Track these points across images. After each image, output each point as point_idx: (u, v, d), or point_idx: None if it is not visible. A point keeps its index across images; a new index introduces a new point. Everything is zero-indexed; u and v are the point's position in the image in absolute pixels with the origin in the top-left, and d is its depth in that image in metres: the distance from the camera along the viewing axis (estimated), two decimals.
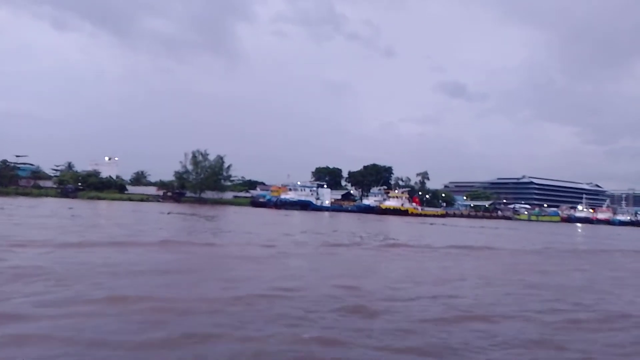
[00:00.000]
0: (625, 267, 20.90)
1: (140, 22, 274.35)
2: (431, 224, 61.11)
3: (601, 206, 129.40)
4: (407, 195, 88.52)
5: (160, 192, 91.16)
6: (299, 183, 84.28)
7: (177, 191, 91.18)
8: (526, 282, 13.51)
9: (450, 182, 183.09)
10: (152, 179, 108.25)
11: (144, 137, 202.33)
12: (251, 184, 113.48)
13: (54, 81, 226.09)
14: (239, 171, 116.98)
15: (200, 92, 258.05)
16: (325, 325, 7.54)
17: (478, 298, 10.74)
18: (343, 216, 69.20)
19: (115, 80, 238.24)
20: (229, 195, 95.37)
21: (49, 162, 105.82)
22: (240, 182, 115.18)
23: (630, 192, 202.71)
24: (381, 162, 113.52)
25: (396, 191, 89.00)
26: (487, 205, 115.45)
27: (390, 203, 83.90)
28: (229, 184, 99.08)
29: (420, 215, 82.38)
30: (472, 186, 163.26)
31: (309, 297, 9.54)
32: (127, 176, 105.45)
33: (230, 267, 13.79)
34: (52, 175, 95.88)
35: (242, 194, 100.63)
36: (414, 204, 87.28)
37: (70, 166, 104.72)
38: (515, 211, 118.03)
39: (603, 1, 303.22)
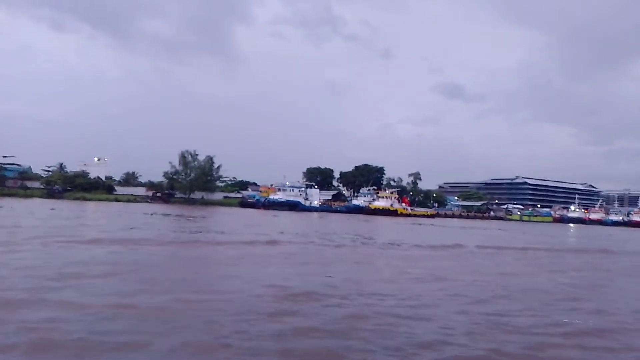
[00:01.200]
0: (583, 268, 20.57)
1: (139, 24, 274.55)
2: (419, 224, 60.96)
3: (594, 206, 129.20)
4: (397, 196, 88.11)
5: (150, 193, 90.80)
6: (287, 183, 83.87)
7: (167, 192, 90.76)
8: (465, 282, 13.22)
9: (445, 183, 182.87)
10: (146, 179, 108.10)
11: (142, 138, 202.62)
12: (243, 185, 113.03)
13: (53, 83, 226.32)
14: (235, 172, 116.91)
15: (198, 93, 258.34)
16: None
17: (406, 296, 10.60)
18: (331, 217, 68.81)
19: (113, 82, 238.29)
20: (219, 195, 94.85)
21: (46, 164, 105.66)
22: (232, 182, 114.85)
23: (626, 192, 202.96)
24: (380, 164, 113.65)
25: (386, 191, 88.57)
26: (479, 206, 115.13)
27: (379, 203, 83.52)
28: (219, 184, 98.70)
29: (409, 215, 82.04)
30: (466, 187, 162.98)
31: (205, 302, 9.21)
32: (120, 177, 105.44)
33: (162, 269, 13.30)
34: (44, 176, 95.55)
35: (233, 194, 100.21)
36: (403, 204, 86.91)
37: (62, 167, 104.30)
38: (508, 211, 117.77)
39: (601, 2, 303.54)
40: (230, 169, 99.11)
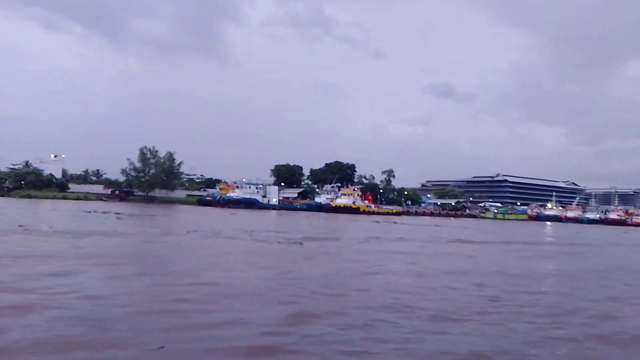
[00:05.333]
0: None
1: (131, 24, 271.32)
2: (376, 222, 58.83)
3: (574, 204, 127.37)
4: (360, 193, 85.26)
5: (109, 191, 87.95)
6: (244, 180, 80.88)
7: (125, 190, 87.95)
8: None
9: (428, 181, 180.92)
10: (112, 178, 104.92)
11: (133, 138, 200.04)
12: (211, 183, 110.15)
13: (44, 83, 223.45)
14: (223, 173, 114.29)
15: (190, 93, 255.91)
16: None
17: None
18: (288, 215, 66.48)
19: (105, 82, 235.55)
20: (182, 193, 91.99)
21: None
22: (200, 180, 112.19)
23: (612, 190, 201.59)
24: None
25: (348, 188, 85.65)
26: (453, 204, 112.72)
27: (341, 201, 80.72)
28: (182, 181, 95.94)
29: (372, 213, 79.26)
30: (447, 185, 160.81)
31: None
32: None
33: None
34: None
35: (198, 192, 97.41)
36: (366, 201, 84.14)
37: (27, 164, 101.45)
38: (484, 209, 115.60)
39: (592, 3, 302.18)
40: (218, 170, 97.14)
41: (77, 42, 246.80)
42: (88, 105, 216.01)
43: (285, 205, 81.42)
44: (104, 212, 42.45)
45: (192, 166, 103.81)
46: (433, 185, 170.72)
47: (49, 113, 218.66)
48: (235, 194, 77.87)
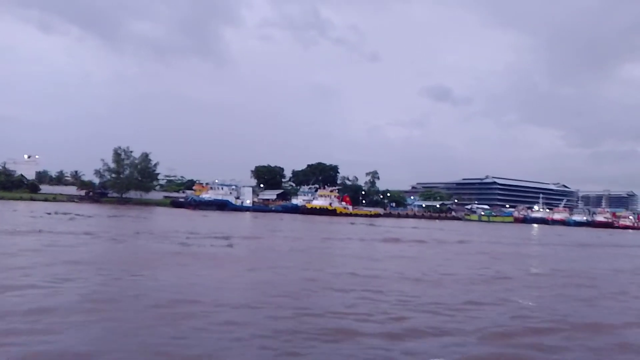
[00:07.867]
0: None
1: (127, 26, 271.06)
2: (351, 223, 57.57)
3: (560, 207, 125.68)
4: (337, 195, 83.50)
5: (83, 192, 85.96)
6: (216, 181, 78.99)
7: (99, 191, 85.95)
8: None
9: (418, 183, 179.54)
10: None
11: (128, 140, 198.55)
12: (192, 184, 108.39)
13: (40, 84, 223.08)
14: (217, 176, 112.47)
15: (187, 95, 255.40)
16: None
17: None
18: (261, 216, 64.96)
19: (101, 84, 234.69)
20: (158, 195, 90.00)
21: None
22: (180, 181, 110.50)
23: (606, 192, 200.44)
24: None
25: (325, 190, 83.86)
26: (437, 206, 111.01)
27: (318, 202, 78.94)
28: (160, 182, 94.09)
29: (349, 215, 77.55)
30: (436, 187, 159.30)
31: None
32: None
33: None
34: None
35: (177, 194, 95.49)
36: (344, 203, 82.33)
37: (4, 166, 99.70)
38: (470, 212, 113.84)
39: (587, 6, 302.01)
40: (208, 172, 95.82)
41: (73, 44, 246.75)
42: (83, 107, 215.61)
43: (259, 207, 79.58)
44: (65, 214, 40.82)
45: (172, 167, 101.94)
46: (423, 187, 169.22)
47: (43, 114, 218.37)
48: (207, 195, 75.98)
